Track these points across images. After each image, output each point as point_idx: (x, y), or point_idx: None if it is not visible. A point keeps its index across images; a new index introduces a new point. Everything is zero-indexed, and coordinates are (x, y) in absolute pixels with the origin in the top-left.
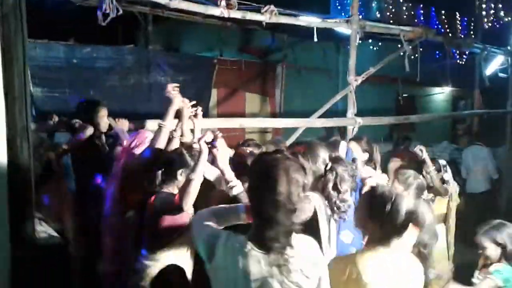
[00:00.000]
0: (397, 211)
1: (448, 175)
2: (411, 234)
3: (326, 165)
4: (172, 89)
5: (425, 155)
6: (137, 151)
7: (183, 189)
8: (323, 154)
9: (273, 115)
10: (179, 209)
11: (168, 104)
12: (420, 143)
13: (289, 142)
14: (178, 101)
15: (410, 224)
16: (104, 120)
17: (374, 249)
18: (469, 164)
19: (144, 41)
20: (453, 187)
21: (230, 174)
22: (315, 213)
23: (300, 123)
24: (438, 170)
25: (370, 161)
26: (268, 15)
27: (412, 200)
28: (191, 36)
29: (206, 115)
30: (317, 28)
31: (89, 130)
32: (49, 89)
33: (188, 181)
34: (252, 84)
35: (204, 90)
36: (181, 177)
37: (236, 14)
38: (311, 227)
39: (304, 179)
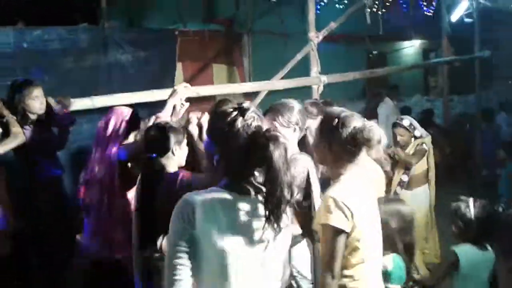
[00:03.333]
0: (344, 124)
1: (418, 131)
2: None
3: None
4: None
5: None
6: (120, 132)
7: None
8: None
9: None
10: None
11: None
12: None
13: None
14: (181, 96)
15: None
16: (38, 101)
17: (338, 180)
18: None
19: (101, 18)
20: (427, 139)
21: None
22: (307, 174)
23: (261, 87)
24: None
25: None
26: None
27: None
28: (153, 10)
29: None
30: None
31: None
32: (0, 78)
33: None
34: (219, 55)
35: (168, 64)
36: (177, 151)
37: None
38: (305, 188)
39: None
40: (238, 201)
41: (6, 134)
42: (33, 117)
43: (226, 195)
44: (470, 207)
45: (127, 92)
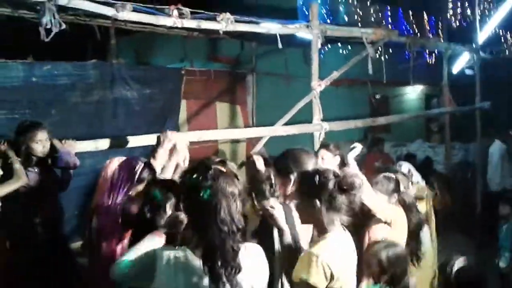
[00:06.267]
0: (326, 180)
1: (415, 177)
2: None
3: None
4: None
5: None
6: (127, 186)
7: None
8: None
9: (246, 124)
10: None
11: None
12: (395, 143)
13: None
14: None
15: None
16: (41, 144)
17: (324, 237)
18: None
19: (110, 55)
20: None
21: None
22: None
23: (263, 132)
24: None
25: (343, 165)
26: (224, 24)
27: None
28: (161, 48)
29: (176, 128)
30: (283, 35)
31: None
32: (8, 111)
33: None
34: (223, 93)
35: (173, 102)
36: (170, 211)
37: (191, 24)
38: (265, 234)
39: (238, 188)
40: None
41: (10, 175)
42: (36, 159)
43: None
44: (455, 266)
45: (131, 127)
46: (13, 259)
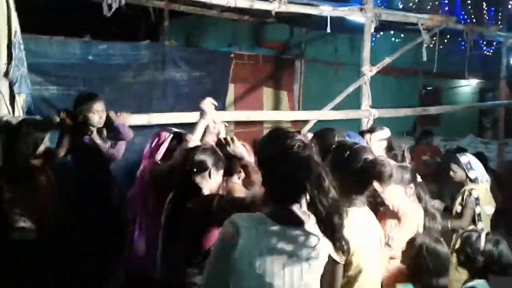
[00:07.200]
0: (355, 157)
1: (473, 173)
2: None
3: None
4: (209, 103)
5: None
6: (159, 153)
7: None
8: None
9: (292, 110)
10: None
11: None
12: (445, 137)
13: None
14: (210, 116)
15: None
16: (98, 115)
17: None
18: None
19: (162, 36)
20: (481, 186)
21: None
22: None
23: (311, 115)
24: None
25: (390, 150)
26: (277, 4)
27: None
28: (211, 31)
29: (223, 110)
30: (332, 20)
31: None
32: (64, 87)
33: None
34: (270, 79)
35: (221, 85)
36: (213, 175)
37: (244, 3)
38: None
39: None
40: (280, 230)
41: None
42: (92, 128)
43: (269, 224)
44: (481, 239)
45: (179, 108)
46: (63, 220)
